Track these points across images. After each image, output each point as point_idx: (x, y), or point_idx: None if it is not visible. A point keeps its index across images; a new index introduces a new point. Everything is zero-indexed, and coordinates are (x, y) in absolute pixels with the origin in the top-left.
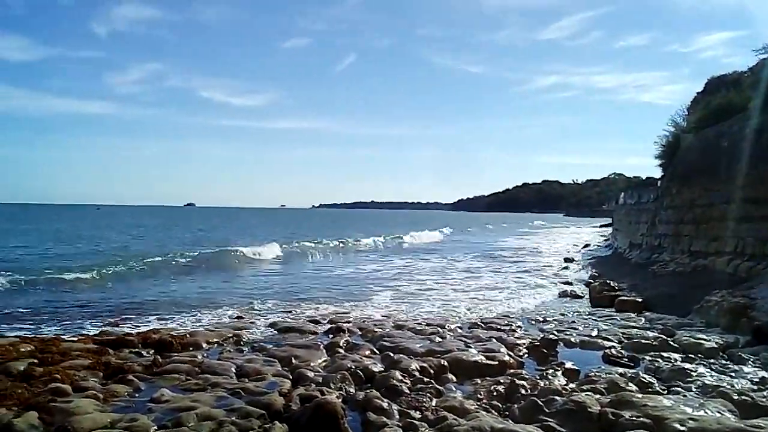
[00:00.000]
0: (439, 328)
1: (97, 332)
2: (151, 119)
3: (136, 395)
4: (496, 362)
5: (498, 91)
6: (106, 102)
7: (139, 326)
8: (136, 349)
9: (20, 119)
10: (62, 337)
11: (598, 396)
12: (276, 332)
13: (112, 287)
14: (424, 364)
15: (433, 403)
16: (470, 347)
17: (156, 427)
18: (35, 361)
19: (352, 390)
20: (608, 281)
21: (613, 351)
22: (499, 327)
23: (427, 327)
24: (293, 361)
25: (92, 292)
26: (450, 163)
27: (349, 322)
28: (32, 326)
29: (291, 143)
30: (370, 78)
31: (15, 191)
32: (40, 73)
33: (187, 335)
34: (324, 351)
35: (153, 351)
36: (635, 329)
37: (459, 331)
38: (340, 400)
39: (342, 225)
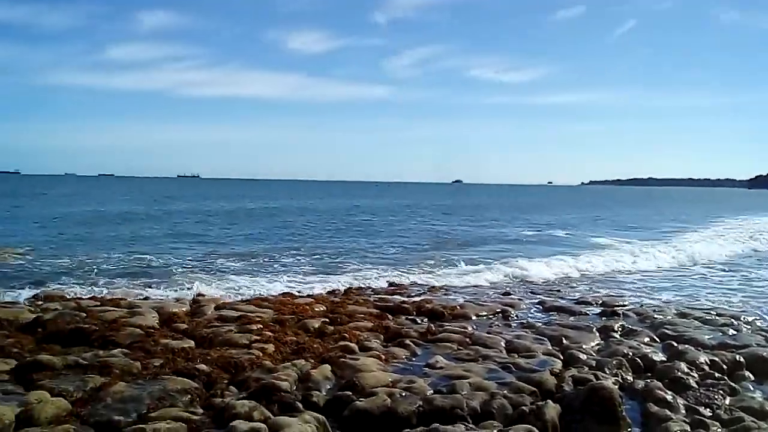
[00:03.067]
0: (733, 320)
1: (377, 298)
2: (423, 101)
3: (413, 359)
4: None
5: None
6: (386, 86)
7: (412, 296)
8: (412, 316)
9: (312, 106)
10: (348, 300)
11: None
12: (544, 311)
13: None
14: (715, 358)
15: (727, 402)
16: None
17: (431, 391)
18: (327, 320)
19: (630, 378)
20: None
21: None
22: None
23: (717, 317)
24: (564, 341)
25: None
26: (746, 134)
27: (624, 305)
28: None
29: (560, 118)
30: (650, 44)
31: (305, 170)
32: (331, 63)
33: (458, 307)
34: (597, 334)
35: (426, 319)
36: None
37: (758, 324)
38: (616, 386)
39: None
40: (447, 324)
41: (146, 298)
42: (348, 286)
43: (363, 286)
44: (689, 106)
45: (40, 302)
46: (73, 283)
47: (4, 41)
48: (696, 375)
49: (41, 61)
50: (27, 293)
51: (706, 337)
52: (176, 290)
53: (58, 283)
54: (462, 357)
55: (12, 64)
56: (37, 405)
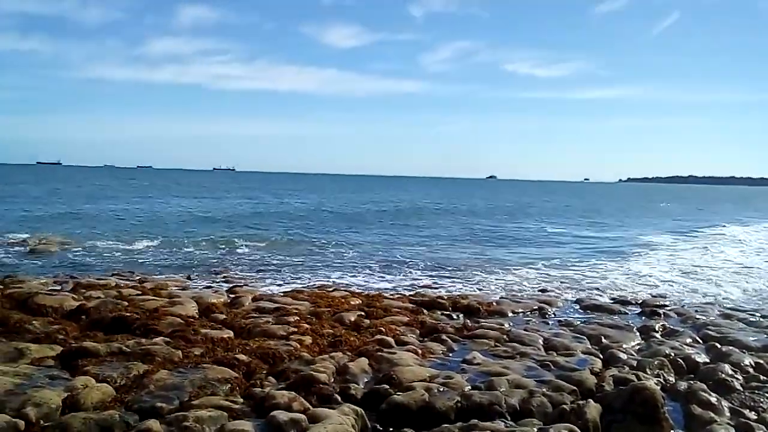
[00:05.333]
0: None
1: (413, 293)
2: (458, 95)
3: (450, 354)
4: None
5: None
6: (420, 81)
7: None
8: (447, 312)
9: (347, 100)
10: (384, 294)
11: None
12: (581, 309)
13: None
14: (760, 361)
15: None
16: None
17: (469, 387)
18: (362, 313)
19: (672, 378)
20: None
21: None
22: None
23: (762, 319)
24: (603, 340)
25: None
26: None
27: (665, 306)
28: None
29: (598, 113)
30: (694, 38)
31: (339, 163)
32: (366, 57)
33: (494, 303)
34: (637, 333)
35: (462, 315)
36: None
37: None
38: (658, 387)
39: None
40: (483, 320)
41: (185, 288)
42: (384, 280)
43: (400, 276)
44: (732, 101)
45: (83, 290)
46: (114, 273)
47: (46, 36)
48: (741, 377)
49: (82, 56)
50: (70, 281)
51: (751, 339)
52: (214, 281)
53: (101, 272)
54: (499, 354)
55: (54, 59)
56: (83, 390)
